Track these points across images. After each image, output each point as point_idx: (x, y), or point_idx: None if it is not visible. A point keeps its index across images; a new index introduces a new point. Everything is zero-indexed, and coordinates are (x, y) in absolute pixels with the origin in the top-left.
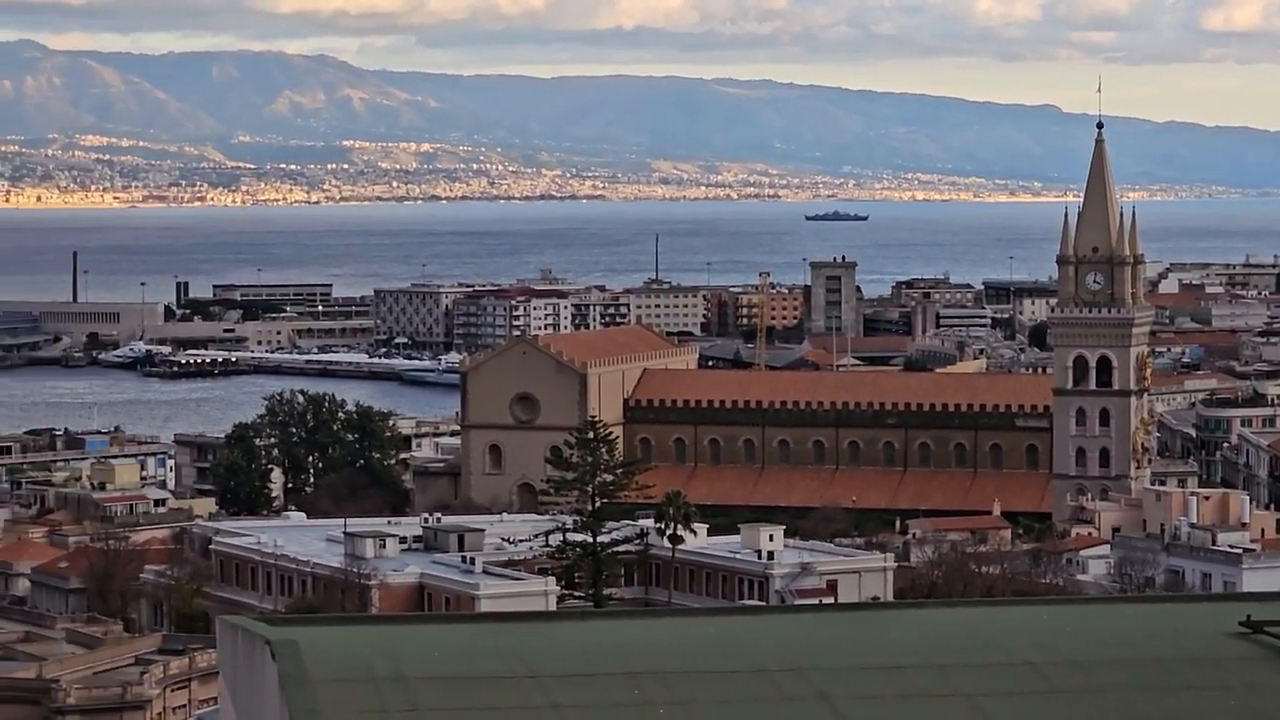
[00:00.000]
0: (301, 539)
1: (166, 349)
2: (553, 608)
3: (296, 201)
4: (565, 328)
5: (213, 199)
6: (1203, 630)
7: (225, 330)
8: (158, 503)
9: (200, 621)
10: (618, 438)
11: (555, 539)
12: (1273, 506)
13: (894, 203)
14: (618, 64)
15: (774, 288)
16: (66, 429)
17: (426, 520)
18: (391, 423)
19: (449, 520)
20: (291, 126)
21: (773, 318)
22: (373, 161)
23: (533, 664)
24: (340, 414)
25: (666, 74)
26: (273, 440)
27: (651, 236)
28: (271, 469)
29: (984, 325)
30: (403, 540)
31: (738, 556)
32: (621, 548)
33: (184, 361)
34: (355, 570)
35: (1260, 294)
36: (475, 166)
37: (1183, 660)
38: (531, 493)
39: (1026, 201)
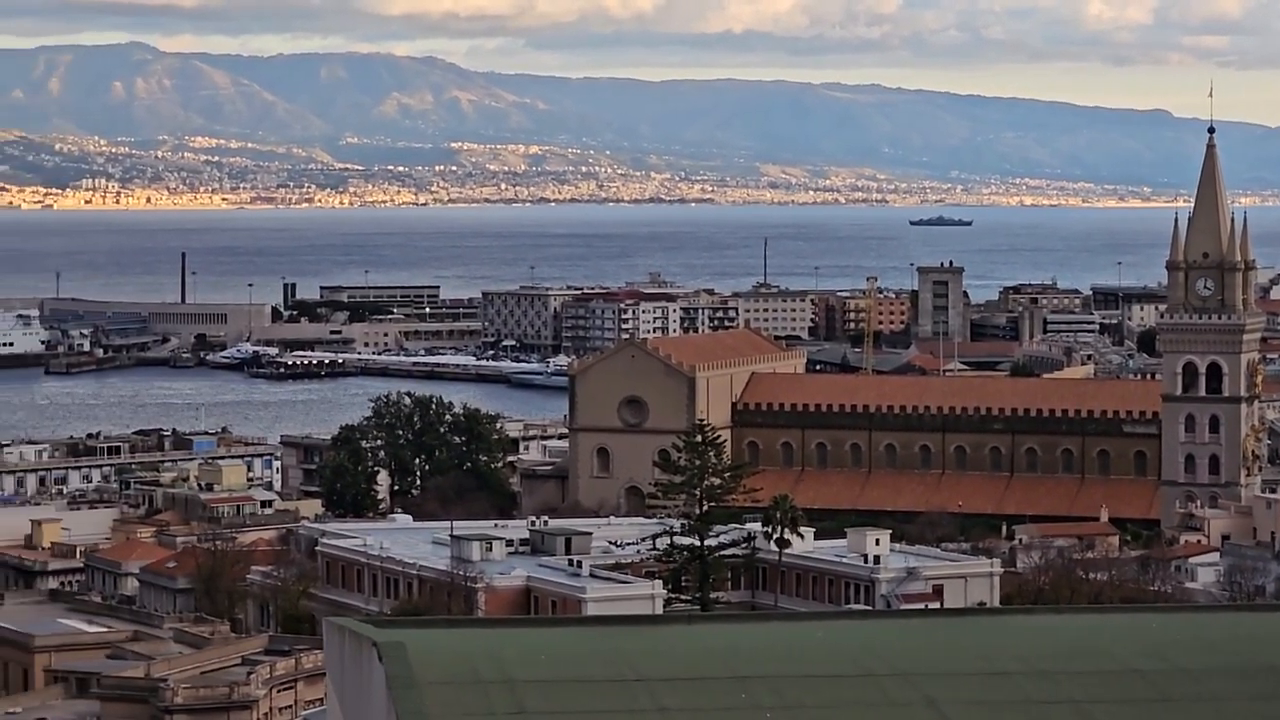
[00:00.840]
0: (408, 541)
1: (273, 350)
2: (659, 611)
3: (404, 203)
4: (674, 331)
5: (320, 200)
6: None
7: (332, 332)
8: (264, 504)
9: (306, 623)
10: (725, 441)
11: (662, 542)
12: None
13: (1002, 208)
14: (727, 67)
15: (881, 292)
16: (174, 430)
17: (533, 523)
18: (499, 425)
19: (556, 523)
20: (399, 128)
21: (880, 322)
22: (481, 164)
23: (639, 668)
24: (447, 416)
25: (775, 78)
26: (379, 442)
27: (760, 240)
28: (378, 471)
29: (1092, 330)
30: (509, 543)
31: (844, 561)
32: (728, 551)
33: (291, 363)
34: (461, 573)
35: None
36: (584, 169)
37: None
38: (639, 496)
39: (1136, 207)
